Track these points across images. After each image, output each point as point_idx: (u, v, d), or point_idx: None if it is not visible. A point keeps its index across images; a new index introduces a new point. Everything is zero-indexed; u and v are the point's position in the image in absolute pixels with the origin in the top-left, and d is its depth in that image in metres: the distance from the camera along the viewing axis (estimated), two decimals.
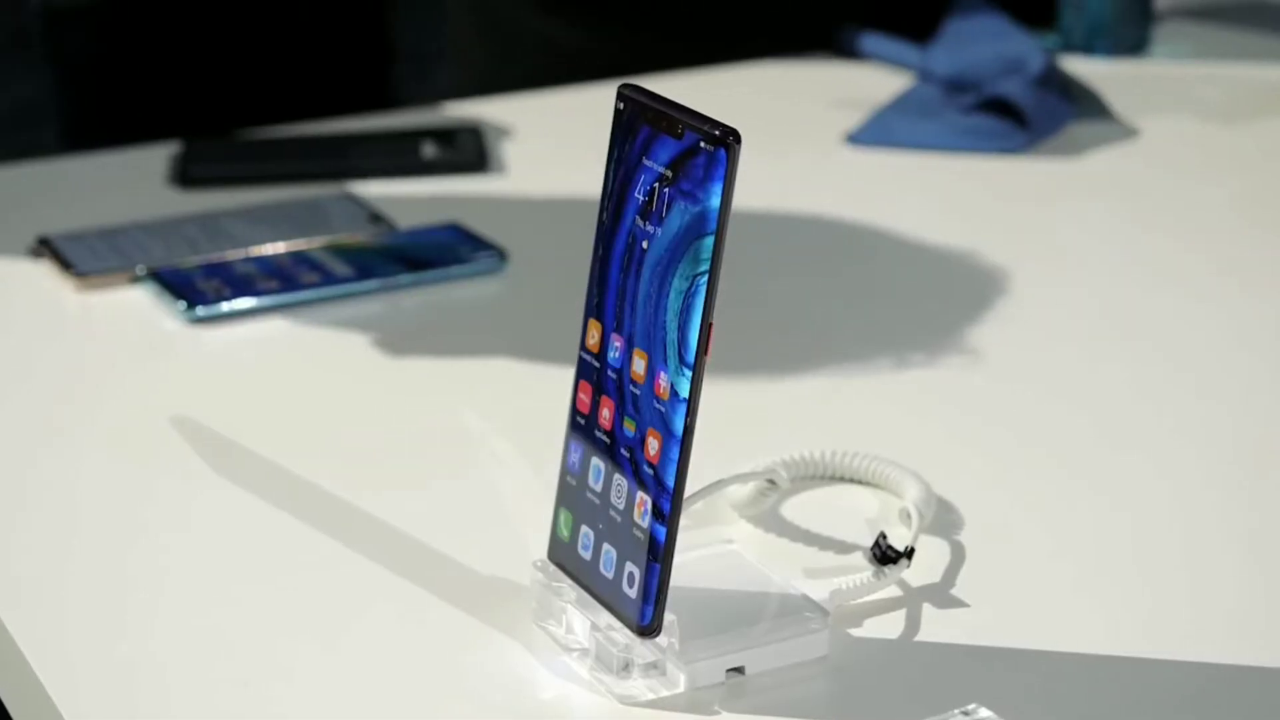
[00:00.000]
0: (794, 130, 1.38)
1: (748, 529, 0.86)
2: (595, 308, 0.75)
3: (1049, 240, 1.21)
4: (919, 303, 1.12)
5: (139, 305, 1.11)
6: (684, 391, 0.71)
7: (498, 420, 0.97)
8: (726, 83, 1.47)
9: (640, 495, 0.73)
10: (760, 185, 1.23)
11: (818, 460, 0.89)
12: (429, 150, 1.31)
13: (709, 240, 0.70)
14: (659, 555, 0.72)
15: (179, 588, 0.83)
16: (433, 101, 1.46)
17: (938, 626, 0.79)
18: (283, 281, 1.11)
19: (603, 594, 0.75)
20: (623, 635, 0.74)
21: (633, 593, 0.73)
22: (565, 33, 1.56)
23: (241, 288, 1.10)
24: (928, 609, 0.80)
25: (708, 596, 0.77)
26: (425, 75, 1.92)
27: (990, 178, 1.30)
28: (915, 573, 0.81)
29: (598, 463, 0.75)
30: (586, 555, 0.76)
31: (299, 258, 1.14)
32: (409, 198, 1.25)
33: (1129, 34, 1.51)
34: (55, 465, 0.94)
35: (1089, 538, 0.86)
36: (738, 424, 0.93)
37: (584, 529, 0.76)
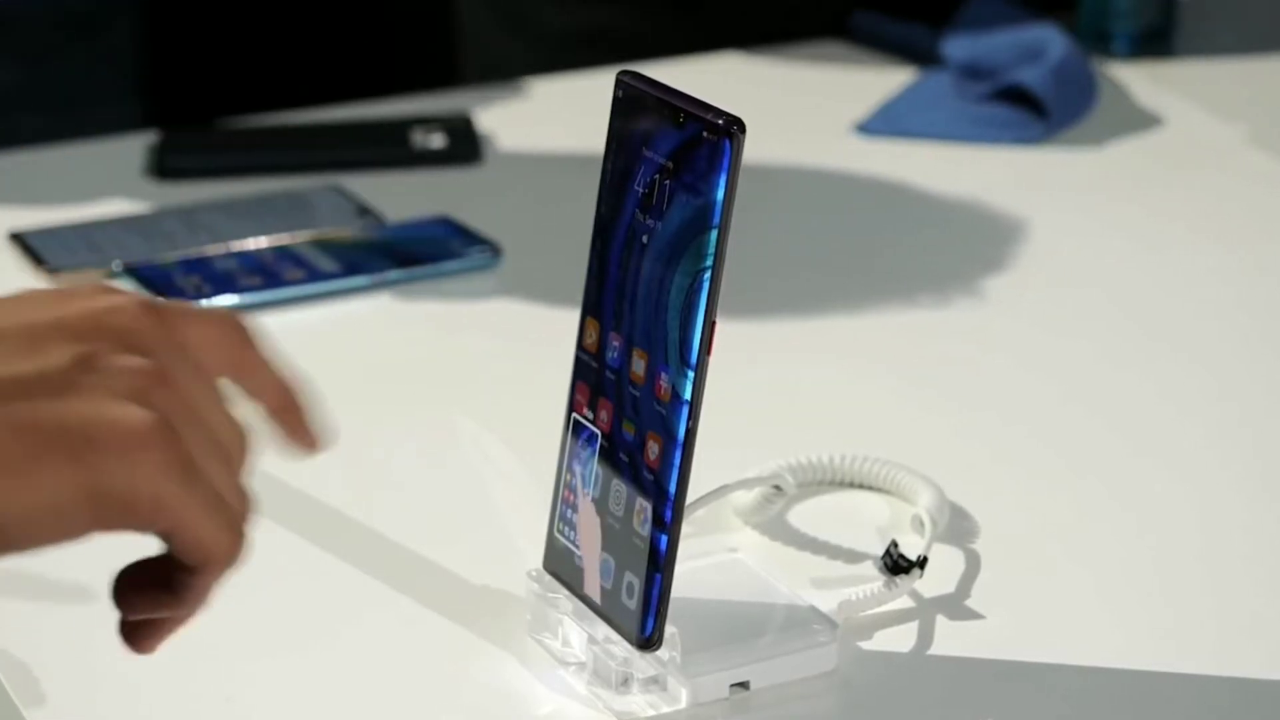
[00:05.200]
0: (801, 119, 1.37)
1: (753, 537, 0.85)
2: (593, 305, 0.75)
3: (1066, 234, 1.20)
4: (930, 300, 1.11)
5: None
6: (686, 393, 0.70)
7: (491, 423, 0.97)
8: (730, 70, 1.46)
9: (640, 502, 0.72)
10: (765, 177, 1.22)
11: (826, 465, 0.88)
12: (419, 140, 1.30)
13: (712, 234, 0.69)
14: (660, 564, 0.72)
15: None
16: (422, 89, 1.45)
17: (951, 639, 0.78)
18: (266, 278, 1.10)
19: (601, 605, 0.74)
20: (622, 648, 0.74)
21: (632, 604, 0.73)
22: (561, 17, 1.55)
23: (222, 284, 1.09)
24: (941, 621, 0.79)
25: (711, 608, 0.77)
26: (415, 62, 1.91)
27: (1006, 169, 1.29)
28: (928, 583, 0.81)
29: (595, 468, 0.75)
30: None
31: (283, 253, 1.13)
32: (398, 190, 1.24)
33: (1151, 20, 1.50)
34: None
35: (1108, 546, 0.86)
36: (742, 427, 0.93)
37: None
